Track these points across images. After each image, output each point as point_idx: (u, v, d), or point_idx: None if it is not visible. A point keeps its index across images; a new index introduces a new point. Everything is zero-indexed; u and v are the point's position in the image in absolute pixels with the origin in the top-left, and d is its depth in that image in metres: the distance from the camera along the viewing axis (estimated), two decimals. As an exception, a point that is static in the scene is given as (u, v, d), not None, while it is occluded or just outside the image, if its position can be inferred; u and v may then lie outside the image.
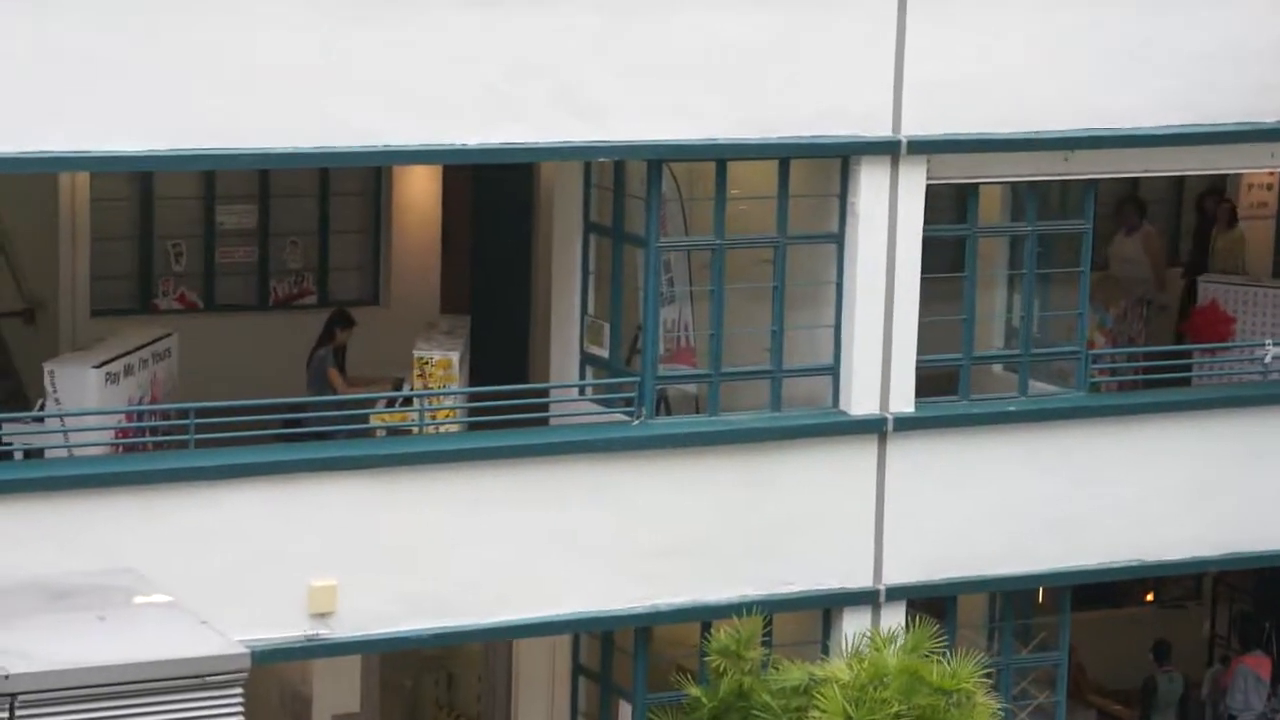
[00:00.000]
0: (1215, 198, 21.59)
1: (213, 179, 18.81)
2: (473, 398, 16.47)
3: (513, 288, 19.44)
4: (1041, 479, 17.19)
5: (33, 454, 15.30)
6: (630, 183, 16.32)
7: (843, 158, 16.36)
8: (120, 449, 15.52)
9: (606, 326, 16.64)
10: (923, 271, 16.62)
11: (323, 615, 15.25)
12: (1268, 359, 18.08)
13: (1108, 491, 17.36)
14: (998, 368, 17.69)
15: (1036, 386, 17.34)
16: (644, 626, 16.42)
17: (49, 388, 15.48)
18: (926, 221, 16.60)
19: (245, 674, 12.98)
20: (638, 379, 16.18)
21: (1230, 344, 19.38)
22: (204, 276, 19.01)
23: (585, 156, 16.00)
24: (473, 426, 16.19)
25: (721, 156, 16.02)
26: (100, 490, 14.60)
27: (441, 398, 16.36)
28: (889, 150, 16.34)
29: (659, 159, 15.88)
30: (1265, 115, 17.29)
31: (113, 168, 15.51)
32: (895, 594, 16.80)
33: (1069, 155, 16.90)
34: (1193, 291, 20.88)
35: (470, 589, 15.61)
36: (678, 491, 16.18)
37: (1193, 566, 18.38)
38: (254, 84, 14.59)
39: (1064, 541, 17.26)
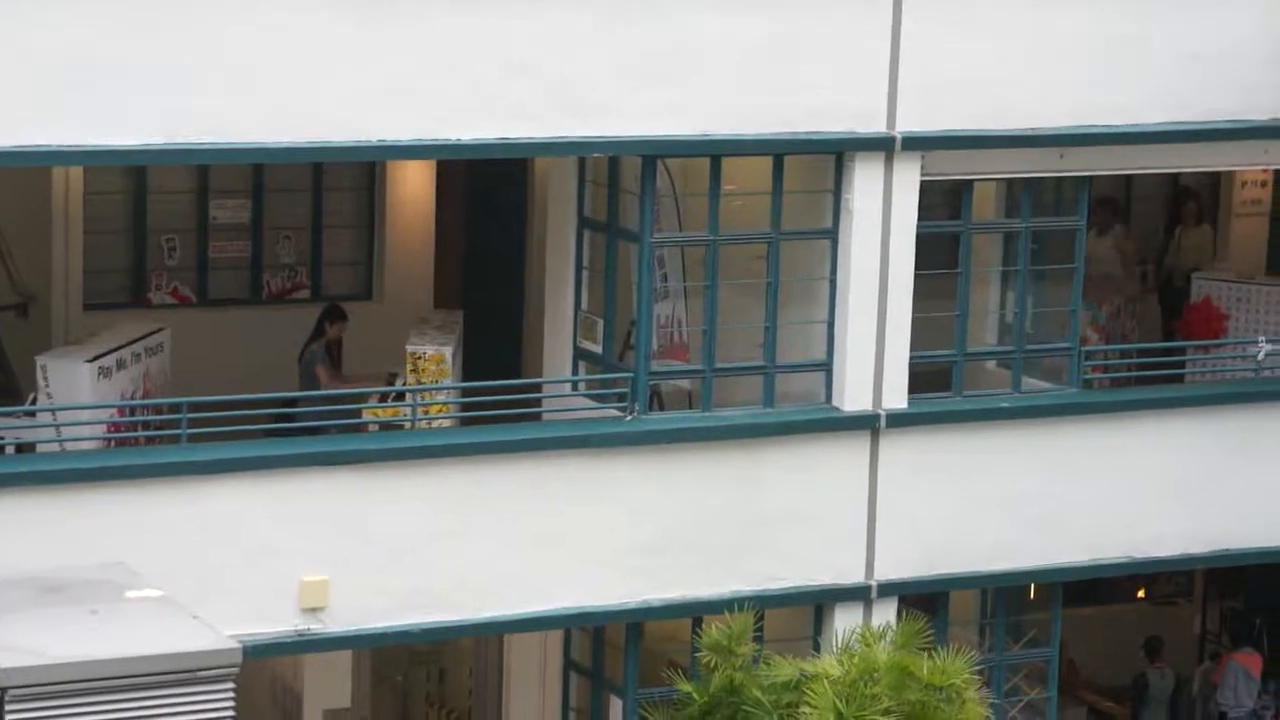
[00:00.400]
0: (1186, 196, 21.48)
1: (206, 173, 18.79)
2: (466, 393, 16.47)
3: (506, 283, 19.43)
4: (1034, 475, 17.19)
5: (24, 448, 15.29)
6: (624, 178, 16.32)
7: (837, 154, 16.36)
8: (112, 443, 15.50)
9: (600, 322, 16.64)
10: (916, 268, 16.62)
11: (314, 610, 15.24)
12: (1261, 356, 18.09)
13: (1100, 488, 17.37)
14: (991, 364, 17.69)
15: (1030, 383, 17.35)
16: (635, 622, 16.42)
17: (41, 382, 15.47)
18: (920, 218, 16.60)
19: (236, 669, 12.98)
20: (631, 374, 16.18)
21: (1223, 341, 19.39)
22: (197, 271, 18.99)
23: (580, 152, 15.99)
24: (465, 421, 16.19)
25: (716, 152, 16.02)
26: (92, 484, 14.59)
27: (434, 393, 16.35)
28: (883, 147, 16.34)
29: (653, 154, 15.88)
30: (1258, 113, 17.30)
31: (106, 162, 15.48)
32: (887, 590, 16.81)
33: (1063, 152, 16.90)
34: (1163, 290, 20.85)
35: (462, 584, 15.61)
36: (670, 487, 16.18)
37: (1184, 563, 18.38)
38: (248, 79, 14.58)
39: (1056, 538, 17.27)
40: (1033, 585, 17.88)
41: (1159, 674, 20.52)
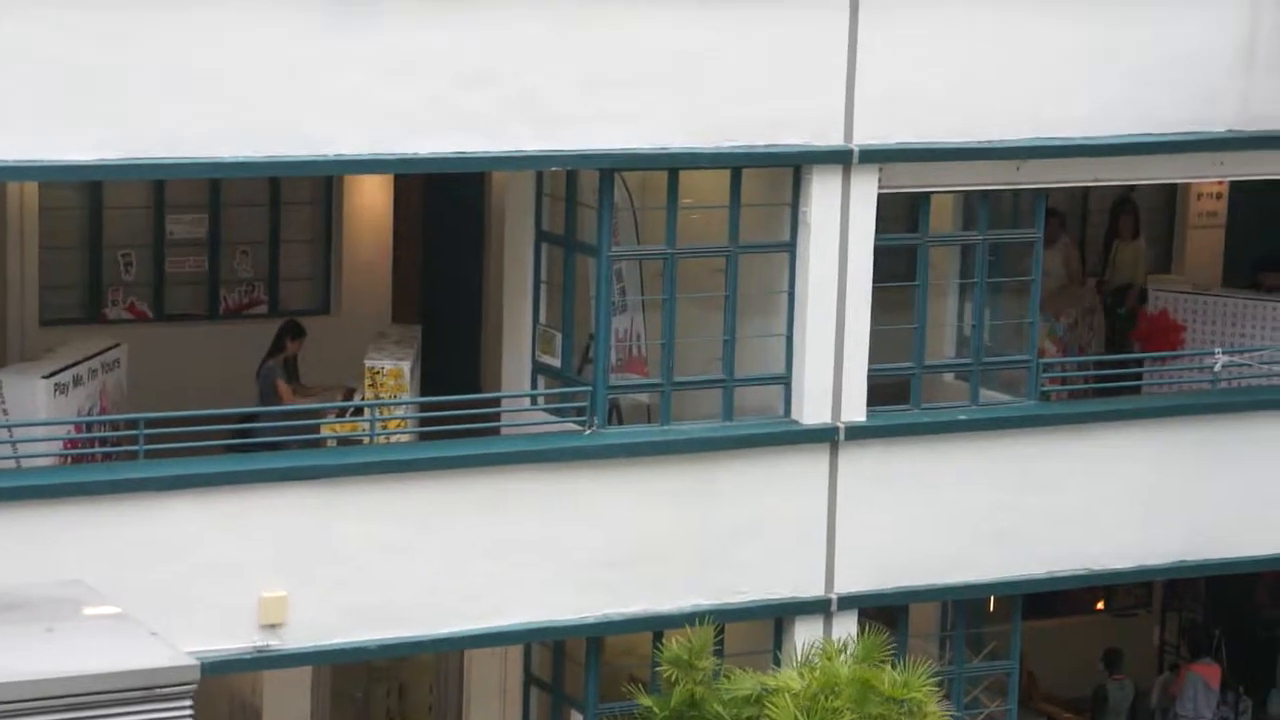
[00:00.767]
0: (1122, 210, 21.46)
1: (162, 188, 18.73)
2: (424, 407, 16.44)
3: (464, 297, 19.41)
4: (993, 488, 17.22)
5: (-20, 465, 15.22)
6: (582, 192, 16.31)
7: (795, 167, 16.38)
8: (69, 460, 15.43)
9: (558, 336, 16.62)
10: (874, 280, 16.64)
11: (273, 626, 15.19)
12: (1217, 367, 18.15)
13: (1058, 500, 17.41)
14: (949, 376, 17.72)
15: (988, 395, 17.38)
16: (595, 636, 16.40)
17: (-3, 398, 15.40)
18: (878, 230, 16.62)
19: (195, 685, 12.91)
20: (589, 388, 16.17)
21: (1180, 353, 19.46)
22: (154, 286, 18.93)
23: (537, 166, 15.99)
24: (424, 436, 16.16)
25: (673, 166, 16.02)
26: (49, 501, 14.52)
27: (392, 408, 16.32)
28: (841, 160, 16.37)
29: (611, 168, 15.87)
30: (1214, 125, 17.37)
31: (62, 177, 15.44)
32: (847, 603, 16.82)
33: (1020, 165, 16.95)
34: (1105, 302, 20.86)
35: (421, 599, 15.57)
36: (629, 501, 16.17)
37: (1142, 575, 18.42)
38: (204, 93, 14.54)
39: (1015, 550, 17.30)
40: (992, 598, 17.91)
41: (1118, 685, 20.57)
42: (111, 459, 15.42)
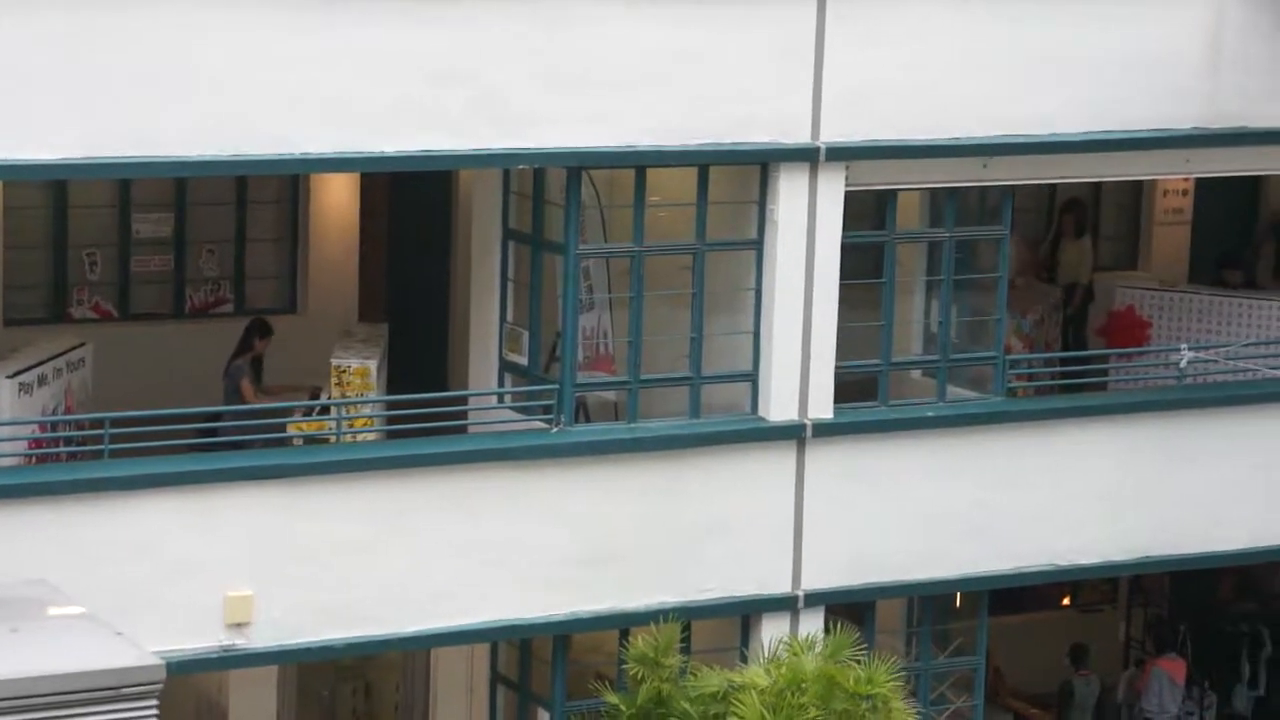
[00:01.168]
0: (1068, 208, 21.43)
1: (128, 187, 18.67)
2: (391, 406, 16.41)
3: (431, 295, 19.38)
4: (959, 484, 17.25)
5: (-55, 464, 15.16)
6: (549, 190, 16.30)
7: (762, 165, 16.38)
8: (34, 459, 15.38)
9: (525, 334, 16.61)
10: (841, 277, 16.66)
11: (239, 625, 15.16)
12: (1183, 364, 18.19)
13: (1024, 496, 17.45)
14: (916, 373, 17.74)
15: (954, 392, 17.41)
16: (562, 634, 16.40)
17: (-39, 397, 15.34)
18: (845, 228, 16.64)
19: (160, 685, 12.88)
20: (557, 386, 16.16)
21: (1146, 349, 19.50)
22: (119, 285, 18.87)
23: (504, 164, 15.97)
24: (391, 435, 16.14)
25: (640, 164, 16.02)
26: (14, 501, 14.47)
27: (359, 406, 16.29)
28: (808, 157, 16.38)
29: (578, 166, 15.87)
30: (1180, 122, 17.42)
31: (26, 176, 15.36)
32: (814, 600, 16.83)
33: (987, 162, 16.97)
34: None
35: (387, 598, 15.55)
36: (597, 499, 16.17)
37: (1108, 571, 18.48)
38: (169, 92, 14.49)
39: (981, 546, 17.33)
40: (958, 594, 17.94)
41: (1084, 681, 20.62)
42: (76, 458, 15.37)
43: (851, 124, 16.42)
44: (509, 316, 16.84)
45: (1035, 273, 20.66)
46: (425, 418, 16.02)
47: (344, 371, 16.35)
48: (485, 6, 15.24)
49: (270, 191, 19.27)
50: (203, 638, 15.06)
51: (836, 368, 16.73)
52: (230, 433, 16.16)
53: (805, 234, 16.51)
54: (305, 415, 16.49)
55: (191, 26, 14.50)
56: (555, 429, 16.13)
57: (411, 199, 19.25)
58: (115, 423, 15.02)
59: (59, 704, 12.56)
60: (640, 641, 15.15)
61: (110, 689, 12.69)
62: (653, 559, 16.32)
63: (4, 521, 14.42)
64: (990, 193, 17.34)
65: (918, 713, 16.23)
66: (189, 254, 19.05)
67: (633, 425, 16.35)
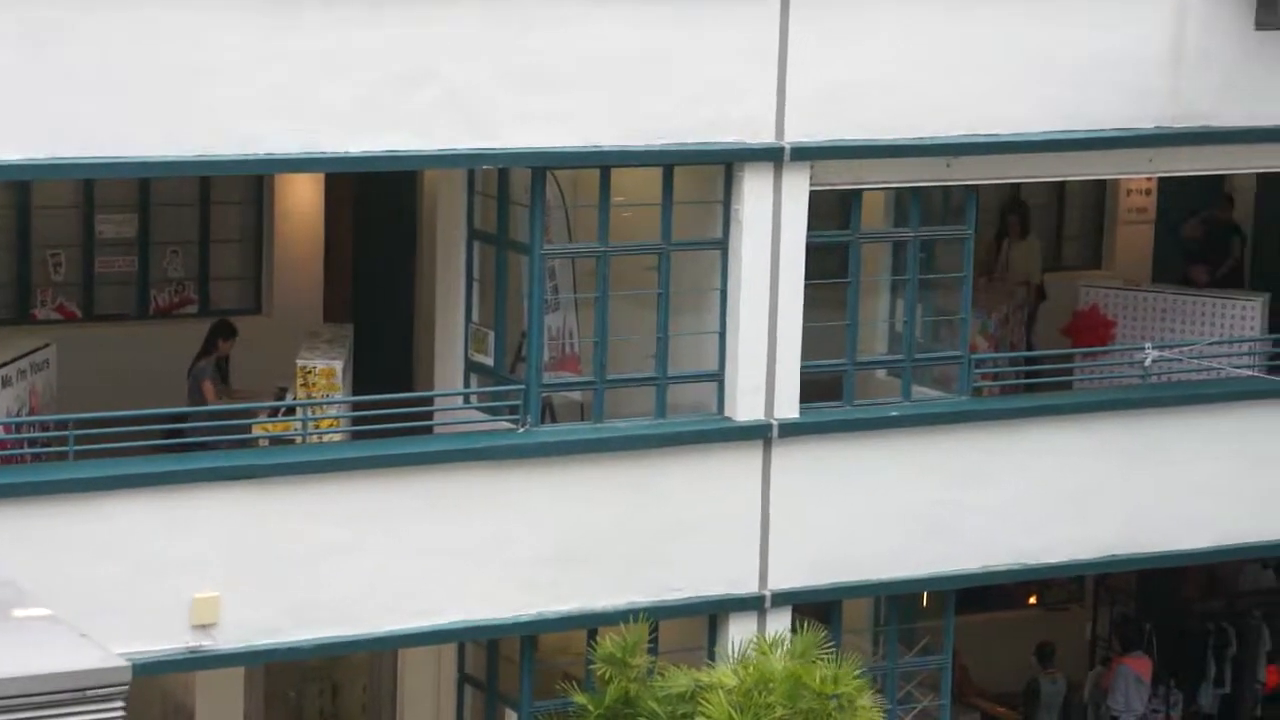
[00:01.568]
0: (1012, 209, 21.43)
1: (91, 188, 18.62)
2: (356, 407, 16.39)
3: (396, 296, 19.36)
4: (925, 483, 17.28)
5: (-91, 466, 15.10)
6: (514, 190, 16.29)
7: (726, 164, 16.39)
8: (-2, 461, 15.34)
9: (491, 334, 16.60)
10: (806, 277, 16.68)
11: (205, 627, 15.13)
12: (1147, 362, 18.25)
13: (990, 495, 17.48)
14: (881, 373, 17.77)
15: (920, 391, 17.44)
16: (530, 635, 16.39)
17: (-75, 399, 15.29)
18: (810, 227, 16.65)
19: (126, 687, 12.84)
20: (523, 387, 16.15)
21: (1111, 348, 19.56)
22: (83, 286, 18.81)
23: (469, 164, 15.96)
24: (357, 436, 16.11)
25: (605, 163, 16.02)
26: (-22, 503, 14.43)
27: (325, 407, 16.26)
28: (772, 157, 16.39)
29: (543, 166, 15.86)
30: (1143, 122, 17.47)
31: (-11, 176, 15.33)
32: (781, 599, 16.85)
33: (951, 161, 17.01)
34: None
35: (354, 599, 15.52)
36: (563, 499, 16.16)
37: (1074, 569, 18.53)
38: (133, 91, 14.46)
39: (947, 545, 17.36)
40: (925, 593, 17.97)
41: (1050, 680, 20.67)
42: (41, 460, 15.31)
43: (816, 124, 16.44)
44: (474, 317, 16.83)
45: (984, 273, 20.71)
46: (391, 418, 16.00)
47: (309, 372, 16.32)
48: (450, 7, 15.23)
49: (235, 192, 19.23)
50: (169, 639, 15.02)
51: (802, 367, 16.75)
52: (195, 434, 16.12)
53: (770, 234, 16.53)
54: (271, 416, 16.46)
55: (156, 27, 14.46)
56: (521, 429, 16.12)
57: (376, 199, 19.23)
58: (80, 424, 14.97)
59: (24, 706, 12.51)
60: (608, 641, 15.15)
61: (76, 691, 12.65)
62: (620, 559, 16.31)
63: (-32, 523, 14.39)
64: (954, 192, 17.38)
65: (884, 712, 16.24)
66: (153, 255, 19.00)
67: (599, 425, 16.35)
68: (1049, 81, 17.10)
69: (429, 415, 16.58)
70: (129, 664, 12.98)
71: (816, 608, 17.05)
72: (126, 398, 16.24)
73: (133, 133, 14.50)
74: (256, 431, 16.16)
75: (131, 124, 14.49)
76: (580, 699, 15.24)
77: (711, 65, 16.06)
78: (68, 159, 14.42)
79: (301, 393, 16.28)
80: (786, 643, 14.99)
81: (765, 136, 16.35)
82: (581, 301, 16.73)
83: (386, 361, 18.75)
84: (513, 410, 16.17)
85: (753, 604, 16.79)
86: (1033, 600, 22.16)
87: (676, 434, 16.45)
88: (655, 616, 16.00)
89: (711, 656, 16.49)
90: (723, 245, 16.54)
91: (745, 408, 16.61)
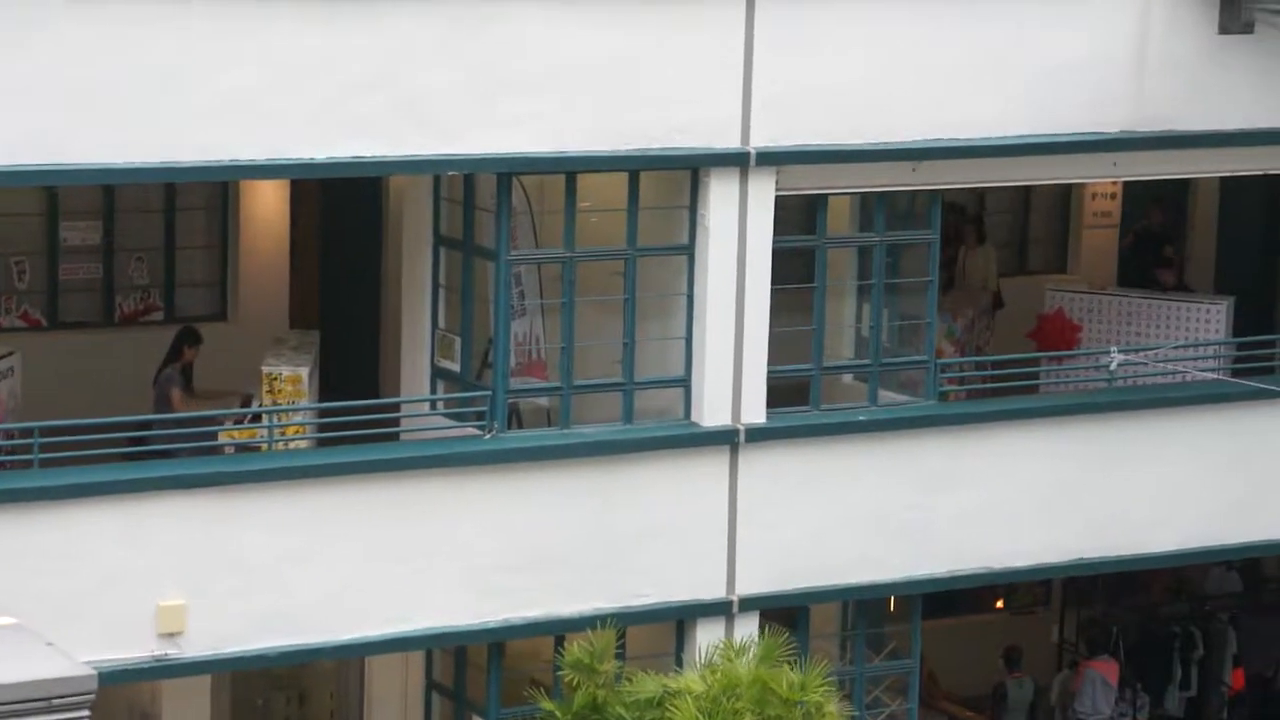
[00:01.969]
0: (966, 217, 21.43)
1: (55, 195, 18.56)
2: (323, 413, 16.35)
3: (362, 302, 19.33)
4: (892, 488, 17.30)
5: (-128, 475, 15.04)
6: (480, 195, 16.28)
7: (692, 170, 16.40)
8: (-38, 469, 15.28)
9: (457, 340, 16.58)
10: (773, 282, 16.69)
11: (171, 635, 15.09)
12: (1113, 366, 18.28)
13: (957, 499, 17.50)
14: (848, 377, 17.79)
15: (886, 396, 17.46)
16: (497, 641, 16.37)
17: (-112, 408, 15.23)
18: (776, 232, 16.67)
19: (92, 696, 12.80)
20: (489, 393, 16.14)
21: (1076, 352, 19.60)
22: (47, 293, 18.75)
23: (434, 170, 15.95)
24: (323, 442, 16.08)
25: (571, 169, 16.01)
26: (-58, 511, 14.38)
27: (291, 413, 16.23)
28: (738, 162, 16.40)
29: (508, 172, 15.85)
30: (1108, 126, 17.51)
31: (-48, 183, 15.28)
32: (748, 604, 16.85)
33: (916, 166, 17.03)
34: None
35: (321, 606, 15.49)
36: (530, 505, 16.15)
37: (1041, 573, 18.55)
38: (96, 98, 14.42)
39: (914, 550, 17.38)
40: (892, 597, 17.99)
41: (1018, 683, 20.70)
42: (6, 468, 15.26)
43: (781, 129, 16.46)
44: (441, 323, 16.81)
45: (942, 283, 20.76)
46: (358, 425, 15.97)
47: (275, 379, 16.29)
48: (414, 12, 15.21)
49: (200, 199, 19.19)
50: (135, 647, 14.97)
51: (769, 372, 16.75)
52: (161, 441, 16.08)
53: (736, 239, 16.53)
54: (237, 423, 16.42)
55: (119, 34, 14.43)
56: (488, 435, 16.10)
57: (342, 205, 19.20)
58: (45, 432, 14.92)
59: (-11, 715, 12.48)
60: (576, 648, 15.13)
61: (41, 700, 12.61)
62: (587, 565, 16.30)
63: (-68, 532, 14.33)
64: (920, 197, 17.41)
65: (852, 717, 16.25)
66: (118, 262, 18.95)
67: (566, 431, 16.34)
68: (1013, 86, 17.13)
69: (395, 422, 16.55)
70: (95, 672, 12.94)
71: (784, 613, 17.06)
72: (92, 405, 16.20)
73: (96, 140, 14.46)
74: (223, 439, 16.12)
75: (95, 131, 14.44)
76: (548, 705, 15.22)
77: (677, 71, 16.06)
78: (31, 166, 14.38)
79: (267, 399, 16.25)
80: (753, 648, 14.99)
81: (731, 142, 16.36)
82: (548, 307, 16.72)
83: (352, 368, 18.72)
84: (479, 416, 16.15)
85: (720, 609, 16.78)
86: (1000, 604, 22.20)
87: (643, 440, 16.44)
88: (623, 622, 15.98)
89: (679, 662, 16.48)
90: (689, 250, 16.54)
91: (712, 413, 16.61)
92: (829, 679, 14.65)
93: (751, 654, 14.84)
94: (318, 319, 18.99)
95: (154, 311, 19.11)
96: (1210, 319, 19.63)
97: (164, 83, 14.58)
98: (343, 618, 15.59)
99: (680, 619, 16.79)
